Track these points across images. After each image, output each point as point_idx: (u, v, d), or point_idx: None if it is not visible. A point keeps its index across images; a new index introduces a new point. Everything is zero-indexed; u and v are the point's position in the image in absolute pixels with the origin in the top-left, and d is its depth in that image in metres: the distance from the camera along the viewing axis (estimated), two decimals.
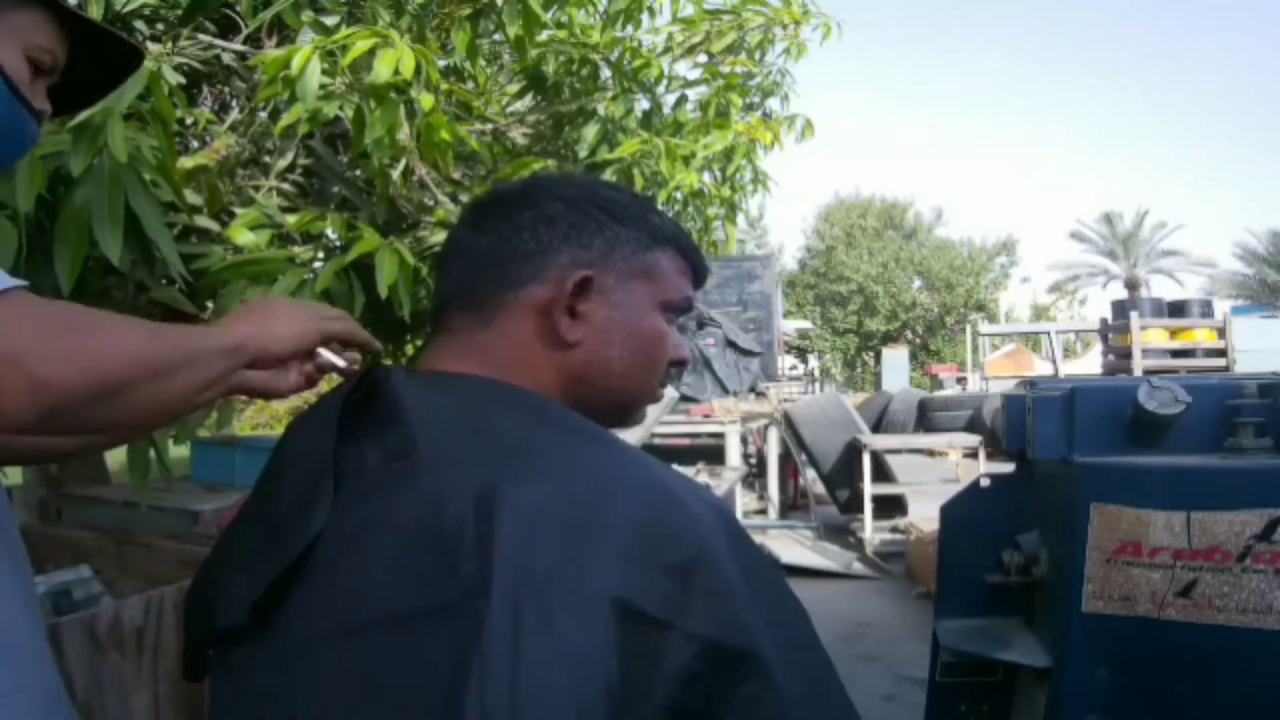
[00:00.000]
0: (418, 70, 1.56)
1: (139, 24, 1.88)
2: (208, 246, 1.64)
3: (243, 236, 1.66)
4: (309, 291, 1.59)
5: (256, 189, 1.86)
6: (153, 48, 1.80)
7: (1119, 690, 1.13)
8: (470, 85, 2.26)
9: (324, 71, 1.55)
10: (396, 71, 1.51)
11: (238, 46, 1.86)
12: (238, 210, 1.75)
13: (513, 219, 0.78)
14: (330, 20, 1.76)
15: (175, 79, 1.69)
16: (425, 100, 1.59)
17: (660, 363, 0.82)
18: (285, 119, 1.64)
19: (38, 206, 1.28)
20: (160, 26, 1.89)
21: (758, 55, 2.48)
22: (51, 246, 1.30)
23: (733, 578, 0.60)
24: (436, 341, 0.80)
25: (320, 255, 1.76)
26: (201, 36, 1.87)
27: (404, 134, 1.64)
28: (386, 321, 2.04)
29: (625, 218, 0.80)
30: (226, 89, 2.05)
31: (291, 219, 1.76)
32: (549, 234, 0.77)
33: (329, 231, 1.80)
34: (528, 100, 2.46)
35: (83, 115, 1.26)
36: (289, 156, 1.93)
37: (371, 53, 1.53)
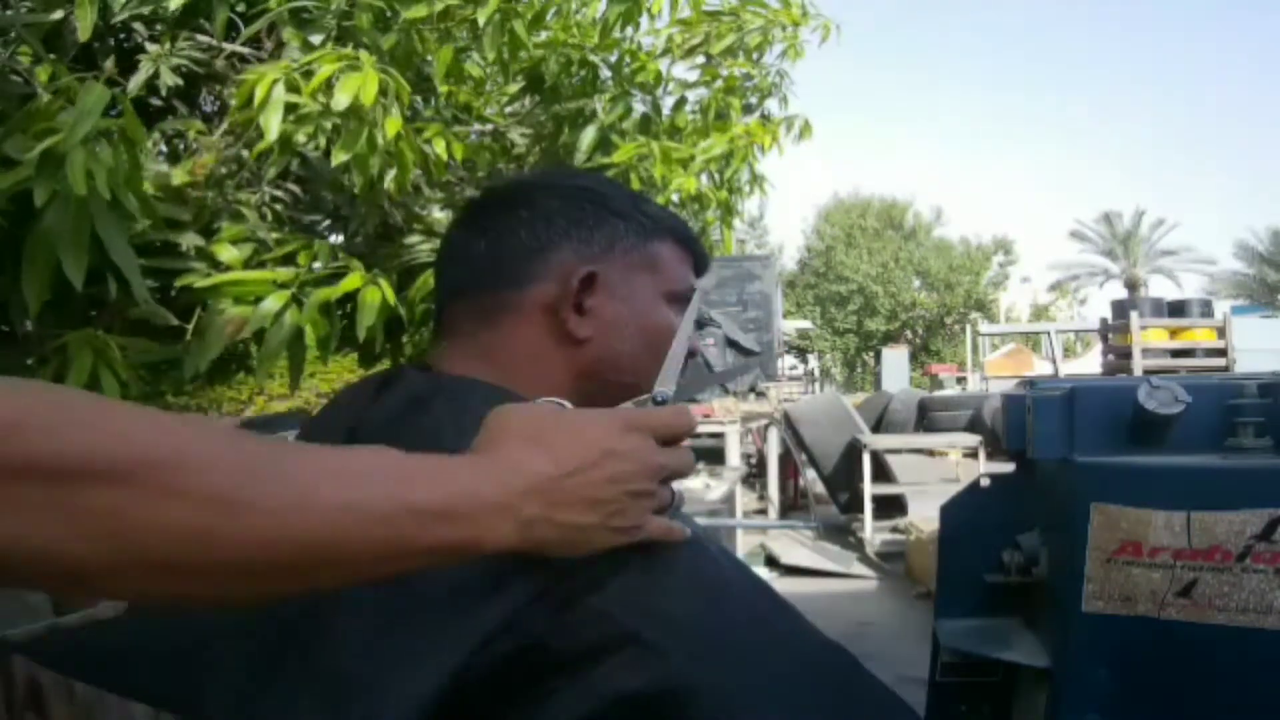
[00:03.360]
0: (384, 93, 1.55)
1: (138, 26, 1.89)
2: (190, 263, 1.64)
3: (226, 253, 1.66)
4: (293, 315, 1.59)
5: (245, 201, 1.85)
6: (150, 49, 1.80)
7: (1119, 690, 1.13)
8: (469, 85, 2.26)
9: (297, 92, 1.55)
10: (358, 98, 1.51)
11: (236, 48, 1.86)
12: (225, 224, 1.75)
13: (509, 218, 0.78)
14: (316, 38, 1.75)
15: (172, 80, 1.69)
16: (390, 125, 1.59)
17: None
18: (259, 146, 1.65)
19: (15, 226, 1.28)
20: (159, 28, 1.89)
21: (755, 56, 2.47)
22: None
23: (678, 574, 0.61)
24: (443, 344, 0.79)
25: (305, 270, 1.73)
26: (200, 37, 1.87)
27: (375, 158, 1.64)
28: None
29: (621, 210, 0.79)
30: (226, 90, 2.05)
31: (275, 237, 1.76)
32: (547, 231, 0.77)
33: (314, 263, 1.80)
34: (528, 101, 2.46)
35: (46, 143, 1.24)
36: (280, 163, 1.93)
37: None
